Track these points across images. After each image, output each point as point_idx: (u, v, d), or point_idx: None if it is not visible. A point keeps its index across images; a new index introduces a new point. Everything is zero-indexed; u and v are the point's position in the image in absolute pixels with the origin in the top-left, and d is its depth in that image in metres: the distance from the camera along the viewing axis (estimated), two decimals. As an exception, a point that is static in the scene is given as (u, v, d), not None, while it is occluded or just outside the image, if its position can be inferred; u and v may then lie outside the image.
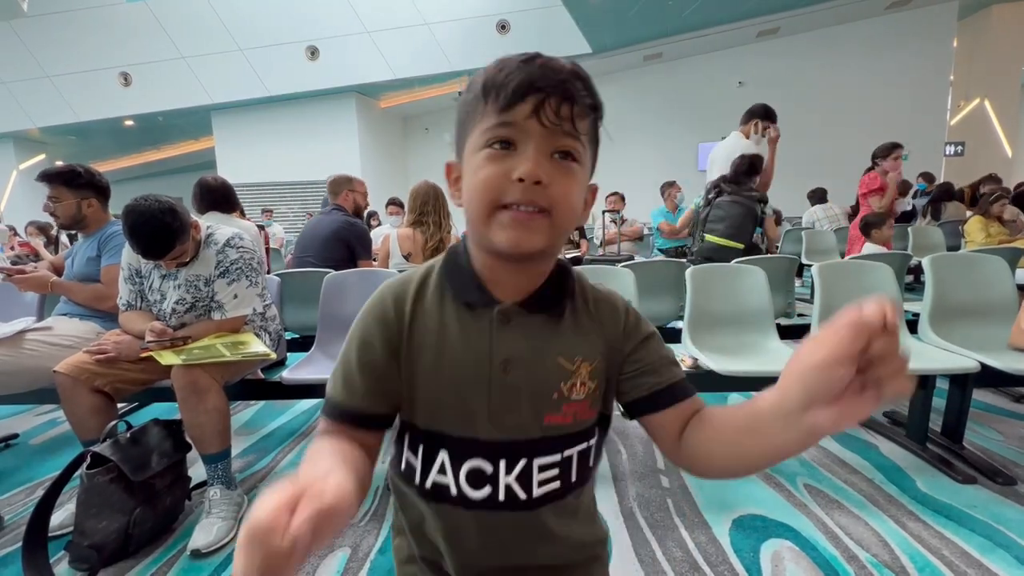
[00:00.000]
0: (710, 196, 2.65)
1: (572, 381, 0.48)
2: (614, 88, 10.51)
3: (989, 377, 1.63)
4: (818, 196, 5.78)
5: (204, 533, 1.39)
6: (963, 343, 1.75)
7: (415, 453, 0.49)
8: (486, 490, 0.47)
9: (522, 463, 0.47)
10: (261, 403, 2.53)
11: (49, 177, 1.77)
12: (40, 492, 1.73)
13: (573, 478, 0.50)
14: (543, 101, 0.41)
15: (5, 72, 9.79)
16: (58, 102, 10.00)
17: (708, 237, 2.51)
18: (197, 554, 1.36)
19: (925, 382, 1.78)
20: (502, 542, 0.49)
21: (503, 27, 8.83)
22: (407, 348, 0.48)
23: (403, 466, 0.51)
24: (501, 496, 0.47)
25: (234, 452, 1.61)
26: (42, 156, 11.67)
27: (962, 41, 9.35)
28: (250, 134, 10.47)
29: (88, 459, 1.33)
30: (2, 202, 10.78)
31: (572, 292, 0.50)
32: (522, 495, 0.48)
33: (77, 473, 1.37)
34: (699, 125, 10.27)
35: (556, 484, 0.49)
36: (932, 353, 1.74)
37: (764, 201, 2.52)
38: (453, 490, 0.48)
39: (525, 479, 0.48)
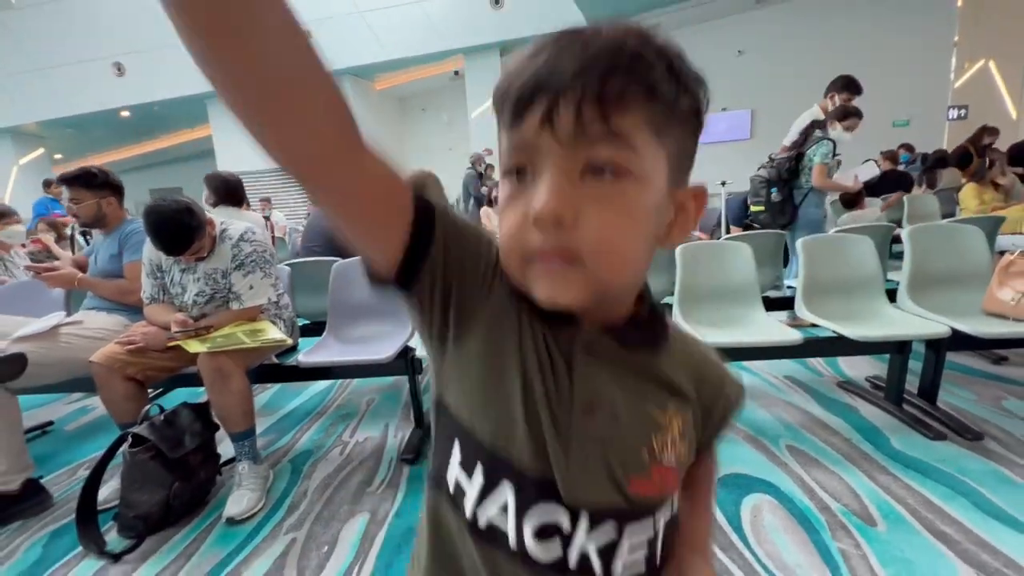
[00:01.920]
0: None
1: (664, 438, 0.37)
2: (611, 61, 10.39)
3: (961, 341, 1.74)
4: None
5: (236, 503, 1.54)
6: (939, 310, 1.85)
7: (469, 474, 0.37)
8: (555, 551, 0.35)
9: (609, 525, 0.36)
10: (277, 386, 2.67)
11: (68, 180, 1.86)
12: (81, 473, 1.89)
13: (657, 559, 0.40)
14: (554, 104, 0.30)
15: (-3, 65, 9.76)
16: (53, 95, 9.97)
17: (751, 207, 2.93)
18: (231, 521, 1.51)
19: (901, 347, 1.89)
20: None
21: (497, 2, 8.71)
22: (484, 315, 0.36)
23: (451, 487, 0.38)
24: (572, 563, 0.35)
25: (257, 431, 1.74)
26: (41, 151, 11.69)
27: (967, 1, 9.16)
28: (247, 121, 10.43)
29: (129, 439, 1.47)
30: (5, 198, 10.85)
31: (664, 322, 0.40)
32: (599, 569, 0.36)
33: (119, 452, 1.51)
34: (699, 96, 10.16)
35: (642, 568, 0.38)
36: (908, 320, 1.84)
37: (797, 157, 2.71)
38: (512, 539, 0.35)
39: (608, 550, 0.36)
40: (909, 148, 6.52)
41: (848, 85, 2.96)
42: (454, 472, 0.37)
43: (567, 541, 0.35)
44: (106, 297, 1.93)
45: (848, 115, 2.78)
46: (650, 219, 0.34)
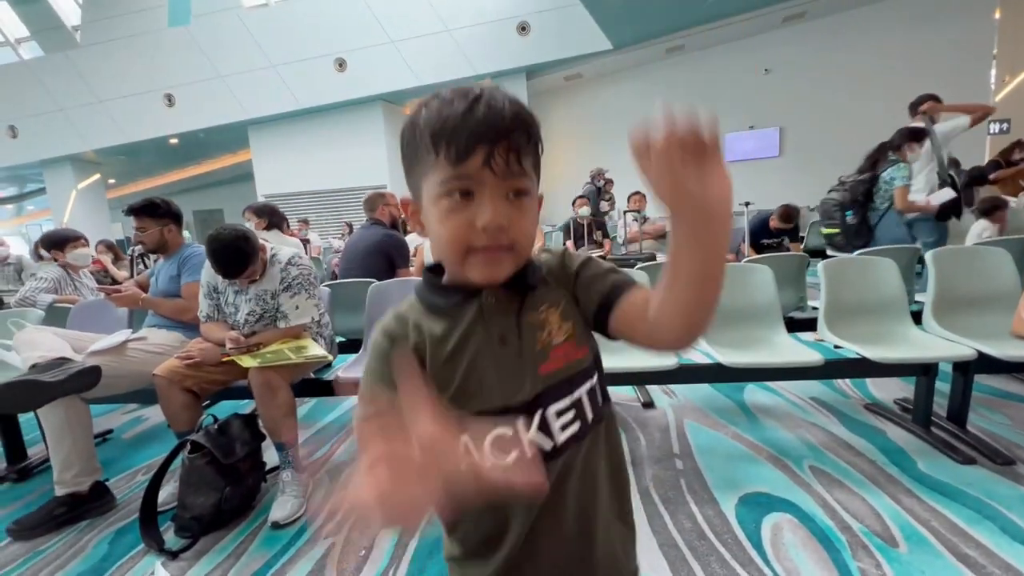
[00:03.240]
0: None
1: (547, 328, 0.52)
2: (636, 83, 10.52)
3: (988, 364, 1.74)
4: None
5: (280, 508, 1.66)
6: (966, 332, 1.85)
7: None
8: (513, 454, 0.48)
9: (537, 416, 0.51)
10: (315, 400, 2.81)
11: (135, 211, 2.07)
12: (139, 477, 2.06)
13: (589, 416, 0.54)
14: (492, 152, 0.45)
15: (62, 99, 10.58)
16: (109, 125, 10.72)
17: (821, 230, 3.09)
18: (276, 526, 1.62)
19: (927, 370, 1.89)
20: (545, 505, 0.51)
21: (523, 28, 8.98)
22: (426, 367, 0.52)
23: None
24: (528, 453, 0.49)
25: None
26: (97, 176, 12.53)
27: (1005, 11, 8.94)
28: (284, 146, 10.97)
29: (188, 446, 1.61)
30: (64, 221, 11.64)
31: (537, 269, 0.54)
32: (547, 445, 0.51)
33: (178, 457, 1.65)
34: (726, 116, 10.16)
35: (576, 425, 0.52)
36: (933, 342, 1.85)
37: (872, 180, 2.81)
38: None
39: (545, 429, 0.51)
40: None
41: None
42: None
43: (516, 442, 0.50)
44: (165, 315, 2.11)
45: (923, 136, 2.92)
46: (536, 220, 0.52)
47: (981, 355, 1.70)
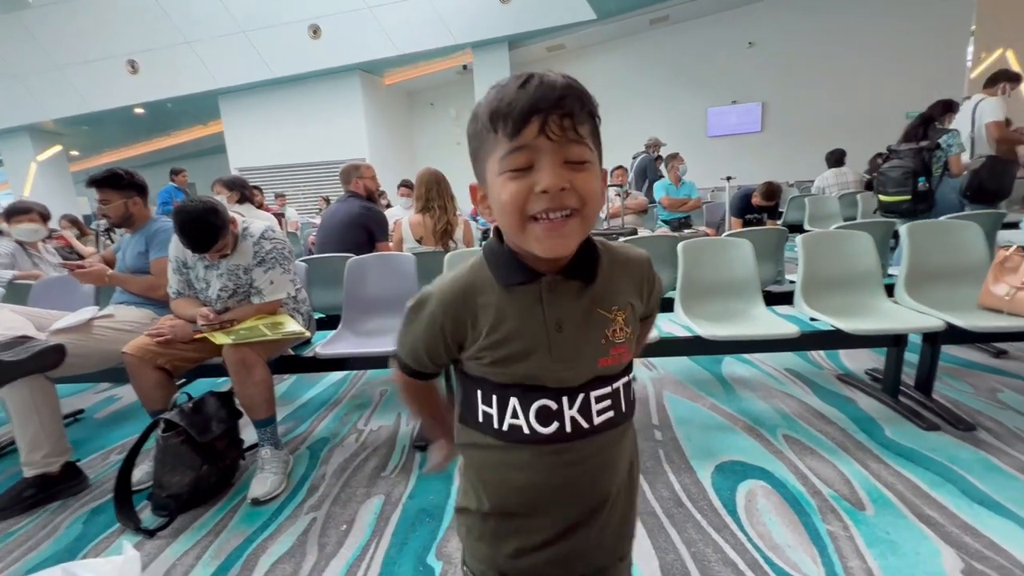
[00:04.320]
0: (879, 163, 3.24)
1: (613, 327, 0.56)
2: (620, 54, 10.36)
3: (956, 335, 1.79)
4: (835, 159, 5.55)
5: (260, 485, 1.64)
6: (935, 304, 1.90)
7: (490, 404, 0.57)
8: (553, 425, 0.55)
9: (580, 397, 0.55)
10: (294, 377, 2.78)
11: (97, 182, 1.96)
12: (113, 457, 2.02)
13: (623, 408, 0.59)
14: (546, 120, 0.47)
15: (16, 64, 9.96)
16: (69, 92, 10.16)
17: (881, 198, 3.12)
18: (256, 502, 1.61)
19: (897, 340, 1.94)
20: (571, 474, 0.56)
21: (505, -4, 8.71)
22: (473, 336, 0.56)
23: (480, 418, 0.58)
24: (568, 428, 0.55)
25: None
26: (58, 147, 11.94)
27: (984, -11, 8.99)
28: (258, 117, 10.57)
29: (162, 425, 1.58)
30: (25, 194, 11.11)
31: (598, 258, 0.57)
32: (585, 424, 0.55)
33: (151, 436, 1.62)
34: (709, 90, 10.12)
35: (611, 413, 0.57)
36: (904, 314, 1.89)
37: (933, 148, 2.89)
38: (526, 429, 0.55)
39: (586, 411, 0.55)
40: None
41: (1013, 76, 3.34)
42: (480, 409, 0.58)
43: (559, 415, 0.55)
44: (134, 292, 2.04)
45: (956, 108, 3.16)
46: (601, 190, 0.53)
47: (949, 326, 1.75)
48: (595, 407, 0.56)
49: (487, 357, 0.56)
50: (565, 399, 0.55)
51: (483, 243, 0.66)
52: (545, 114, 0.46)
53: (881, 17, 8.97)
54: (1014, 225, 3.10)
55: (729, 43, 9.86)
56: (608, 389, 0.57)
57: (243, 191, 3.37)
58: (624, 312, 0.57)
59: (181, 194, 5.79)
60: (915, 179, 2.88)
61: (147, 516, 1.58)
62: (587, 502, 0.58)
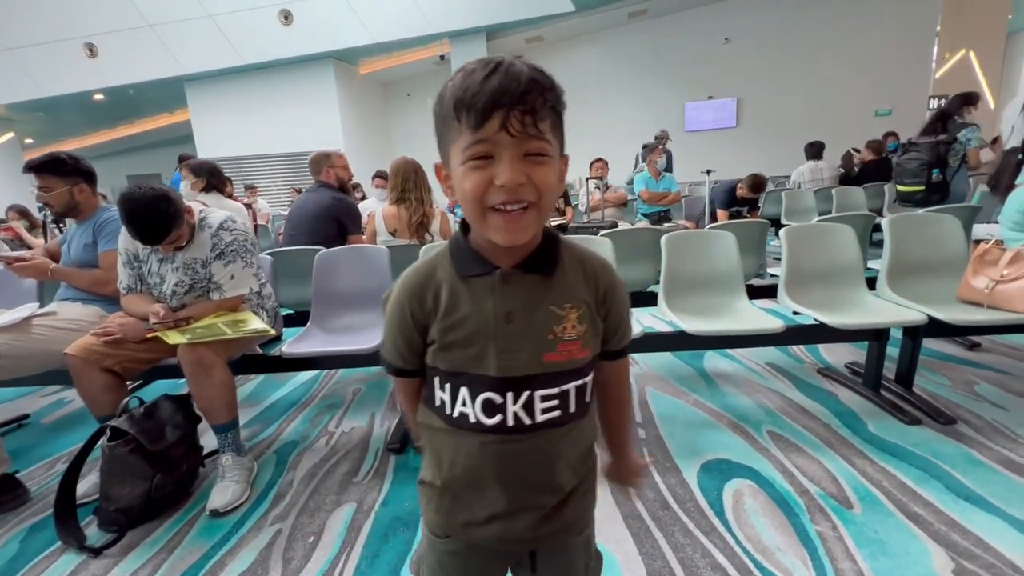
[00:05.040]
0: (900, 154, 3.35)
1: (563, 324, 0.57)
2: (598, 48, 10.31)
3: (937, 328, 1.78)
4: (814, 151, 5.57)
5: (220, 495, 1.52)
6: (916, 298, 1.89)
7: (444, 391, 0.60)
8: (496, 417, 0.57)
9: (525, 395, 0.57)
10: (261, 376, 2.64)
11: (36, 167, 1.79)
12: (59, 466, 1.86)
13: (572, 409, 0.60)
14: (508, 116, 0.47)
15: (-38, 46, 9.34)
16: (21, 76, 9.58)
17: (898, 188, 3.25)
18: (215, 514, 1.49)
19: (879, 335, 1.93)
20: (509, 461, 0.59)
21: (483, -14, 8.54)
22: (436, 322, 0.59)
23: (437, 403, 0.62)
24: (510, 422, 0.57)
25: (240, 422, 1.73)
26: (10, 134, 11.30)
27: (949, -10, 9.22)
28: (227, 105, 10.18)
29: (108, 433, 1.44)
30: (-26, 184, 10.47)
31: (559, 255, 0.59)
32: (527, 420, 0.58)
33: (97, 445, 1.48)
34: (686, 85, 10.17)
35: (557, 413, 0.59)
36: (886, 308, 1.88)
37: (950, 142, 2.98)
38: (472, 418, 0.58)
39: (528, 408, 0.57)
40: (896, 136, 6.62)
41: None
42: (437, 394, 0.61)
43: (503, 409, 0.57)
44: (81, 287, 1.88)
45: (976, 100, 3.19)
46: (557, 175, 0.54)
47: (931, 320, 1.74)
48: (539, 405, 0.57)
49: (439, 341, 0.58)
50: (510, 394, 0.57)
51: None
52: (507, 110, 0.47)
53: (851, 17, 9.15)
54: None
55: (706, 38, 9.92)
56: (556, 390, 0.58)
57: (210, 178, 3.02)
58: (577, 310, 0.58)
59: None
60: (929, 170, 2.98)
61: (93, 532, 1.45)
62: (533, 489, 0.61)
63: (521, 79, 0.48)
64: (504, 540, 0.62)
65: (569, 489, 0.62)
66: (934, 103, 9.35)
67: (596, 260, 0.62)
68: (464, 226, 0.59)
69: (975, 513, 1.33)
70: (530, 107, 0.48)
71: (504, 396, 0.57)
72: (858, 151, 6.21)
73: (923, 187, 3.01)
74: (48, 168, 1.80)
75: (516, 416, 0.57)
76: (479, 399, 0.58)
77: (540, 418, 0.58)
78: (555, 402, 0.58)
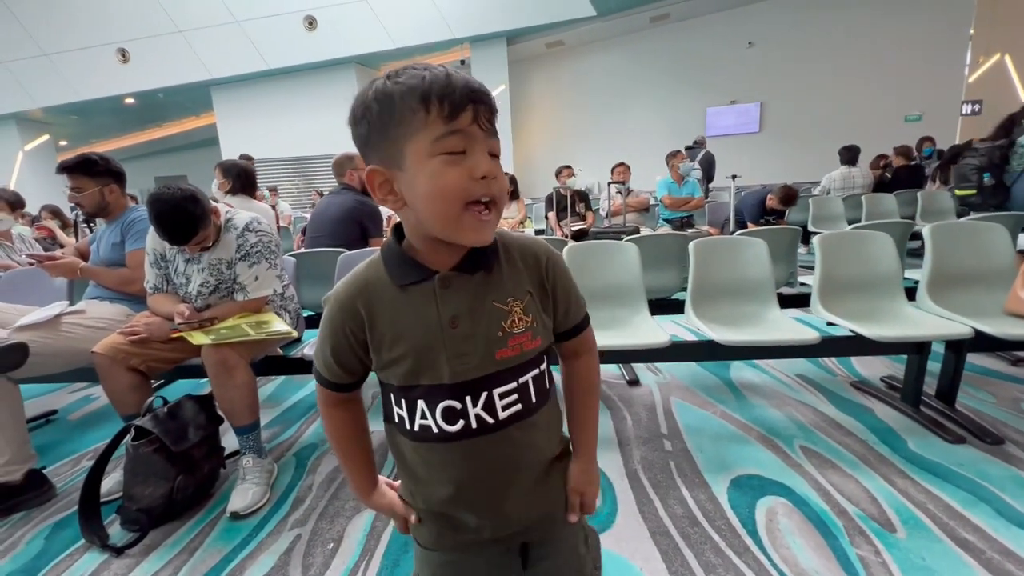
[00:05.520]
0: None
1: (510, 319, 0.56)
2: (619, 52, 10.25)
3: (984, 342, 1.69)
4: (849, 156, 5.37)
5: (241, 497, 1.51)
6: (960, 310, 1.80)
7: (400, 407, 0.59)
8: (459, 423, 0.56)
9: (484, 396, 0.56)
10: (281, 378, 2.65)
11: (69, 168, 1.82)
12: (85, 463, 1.88)
13: (533, 399, 0.60)
14: (478, 110, 0.48)
15: (3, 51, 9.69)
16: (57, 81, 9.92)
17: (956, 192, 3.19)
18: (236, 516, 1.48)
19: (920, 348, 1.84)
20: (482, 463, 0.59)
21: (504, -9, 8.56)
22: (372, 335, 0.57)
23: (396, 419, 0.61)
24: (473, 424, 0.56)
25: (261, 424, 1.72)
26: (46, 137, 11.68)
27: (984, -6, 8.95)
28: (251, 109, 10.39)
29: (132, 432, 1.44)
30: (11, 184, 10.84)
31: (495, 250, 0.58)
32: (490, 420, 0.57)
33: (122, 444, 1.49)
34: (708, 89, 10.04)
35: (519, 406, 0.58)
36: (928, 320, 1.79)
37: (1009, 146, 2.84)
38: (435, 429, 0.57)
39: (490, 407, 0.57)
40: (932, 141, 6.42)
41: None
42: (395, 410, 0.60)
43: (464, 415, 0.56)
44: (109, 286, 1.90)
45: None
46: None
47: (977, 333, 1.65)
48: (499, 403, 0.57)
49: (384, 357, 0.57)
50: (468, 398, 0.56)
51: None
52: (477, 104, 0.48)
53: (880, 20, 8.93)
54: None
55: (729, 43, 9.78)
56: (514, 384, 0.57)
57: (239, 181, 2.89)
58: (521, 301, 0.57)
59: None
60: (981, 174, 2.89)
61: (116, 531, 1.45)
62: (509, 480, 0.60)
63: (475, 81, 0.49)
64: (496, 533, 0.62)
65: (545, 465, 0.63)
66: (967, 108, 9.09)
67: (528, 242, 0.62)
68: (397, 232, 0.57)
69: (1030, 541, 1.24)
70: (492, 106, 0.50)
71: (463, 401, 0.56)
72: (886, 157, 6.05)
73: (975, 191, 2.89)
74: (80, 169, 1.83)
75: (479, 418, 0.56)
76: (438, 409, 0.56)
77: (503, 415, 0.57)
78: (515, 396, 0.58)
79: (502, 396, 0.57)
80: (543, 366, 0.61)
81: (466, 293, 0.55)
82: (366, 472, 0.68)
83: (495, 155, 0.51)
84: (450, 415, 0.56)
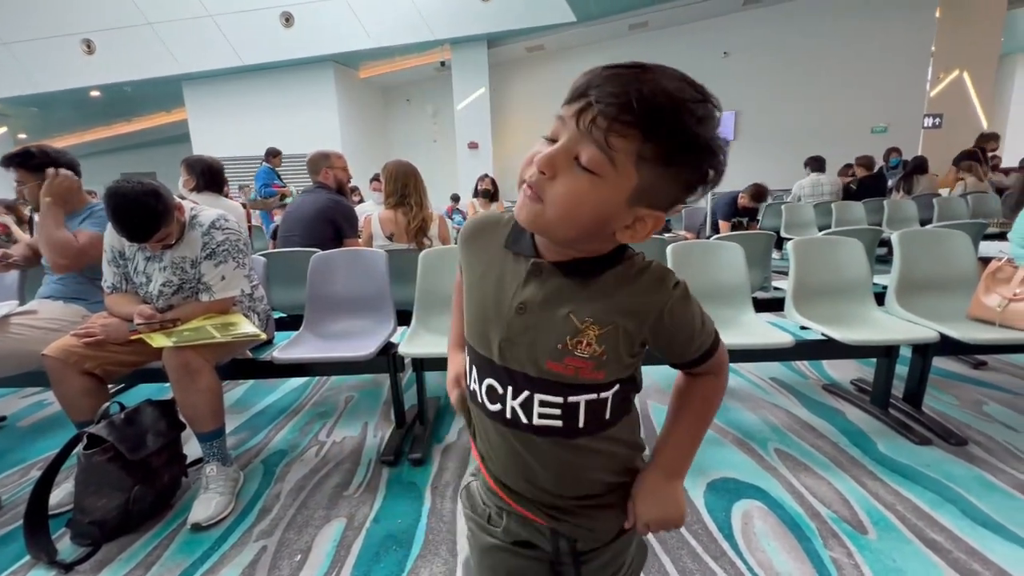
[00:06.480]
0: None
1: (579, 338, 0.51)
2: (599, 58, 9.90)
3: (949, 346, 1.74)
4: (815, 165, 5.56)
5: (203, 507, 1.44)
6: (926, 314, 1.85)
7: (467, 357, 0.61)
8: (497, 406, 0.56)
9: (524, 394, 0.54)
10: (250, 382, 2.56)
11: (7, 161, 1.73)
12: (34, 473, 1.77)
13: (580, 424, 0.54)
14: (587, 106, 0.43)
15: (-44, 38, 9.22)
16: (16, 71, 9.47)
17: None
18: (197, 528, 1.41)
19: (889, 351, 1.89)
20: (512, 452, 0.58)
21: (485, -7, 8.55)
22: (466, 269, 0.61)
23: (466, 365, 0.63)
24: (508, 414, 0.56)
25: (227, 430, 1.65)
26: (3, 129, 11.16)
27: (945, 11, 9.34)
28: (225, 106, 10.11)
29: (84, 440, 1.36)
30: (-36, 178, 10.31)
31: (609, 265, 0.52)
32: (524, 419, 0.55)
33: (73, 453, 1.40)
34: (684, 97, 10.20)
35: (558, 423, 0.54)
36: (896, 324, 1.84)
37: None
38: (479, 397, 0.58)
39: (527, 408, 0.55)
40: (899, 152, 6.65)
41: None
42: (466, 357, 0.62)
43: (502, 399, 0.56)
44: (45, 252, 1.74)
45: None
46: (595, 210, 0.46)
47: (943, 337, 1.70)
48: (537, 409, 0.55)
49: (467, 282, 0.60)
50: (510, 388, 0.55)
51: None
52: (589, 101, 0.43)
53: (850, 35, 9.24)
54: (997, 236, 3.15)
55: (705, 52, 9.97)
56: (558, 399, 0.54)
57: (205, 177, 2.69)
58: (600, 328, 0.51)
59: (276, 176, 5.85)
60: None
61: (66, 545, 1.36)
62: (547, 490, 0.58)
63: (640, 93, 0.40)
64: (525, 516, 0.60)
65: (577, 501, 0.59)
66: (928, 121, 9.46)
67: (660, 274, 0.53)
68: None
69: (995, 541, 1.27)
70: (617, 118, 0.41)
71: (505, 388, 0.55)
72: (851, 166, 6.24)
73: None
74: (16, 161, 1.72)
75: (514, 411, 0.55)
76: (485, 383, 0.57)
77: (537, 422, 0.55)
78: (557, 411, 0.54)
79: (542, 404, 0.54)
80: (606, 394, 0.55)
81: (548, 290, 0.52)
82: (456, 329, 0.72)
83: (579, 161, 0.44)
84: (492, 394, 0.57)
